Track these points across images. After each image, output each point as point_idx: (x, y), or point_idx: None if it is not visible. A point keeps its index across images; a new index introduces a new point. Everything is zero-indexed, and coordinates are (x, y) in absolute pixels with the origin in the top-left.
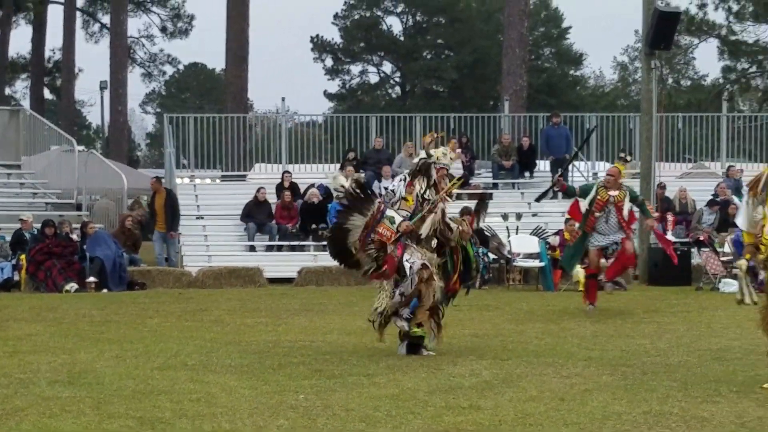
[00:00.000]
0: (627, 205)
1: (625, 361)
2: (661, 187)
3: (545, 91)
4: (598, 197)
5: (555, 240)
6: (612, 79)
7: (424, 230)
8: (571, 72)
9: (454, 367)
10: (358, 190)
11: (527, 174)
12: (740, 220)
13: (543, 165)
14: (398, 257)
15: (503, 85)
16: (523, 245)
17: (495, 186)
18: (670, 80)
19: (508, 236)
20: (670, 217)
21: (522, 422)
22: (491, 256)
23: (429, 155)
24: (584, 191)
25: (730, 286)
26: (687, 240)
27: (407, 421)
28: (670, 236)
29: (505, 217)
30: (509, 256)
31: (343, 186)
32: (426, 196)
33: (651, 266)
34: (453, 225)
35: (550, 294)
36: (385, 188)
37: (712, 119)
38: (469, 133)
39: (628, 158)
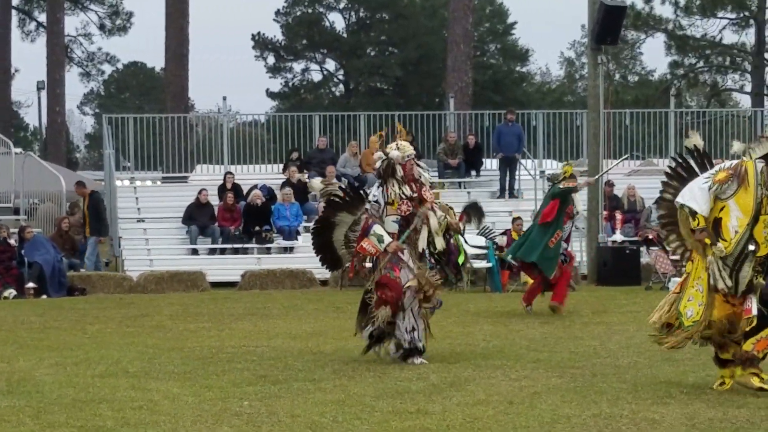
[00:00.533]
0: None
1: (575, 363)
2: (609, 184)
3: (491, 87)
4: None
5: (502, 240)
6: (558, 75)
7: (422, 243)
8: (517, 68)
9: (401, 371)
10: (350, 191)
11: (473, 173)
12: (697, 203)
13: (490, 163)
14: (397, 278)
15: (448, 82)
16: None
17: (441, 185)
18: (618, 76)
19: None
20: (618, 215)
21: (470, 426)
22: None
23: (386, 155)
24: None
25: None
26: (636, 239)
27: (354, 426)
28: (618, 235)
29: None
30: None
31: (325, 188)
32: (406, 194)
33: (600, 265)
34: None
35: (498, 295)
36: (369, 200)
37: (659, 115)
38: (414, 131)
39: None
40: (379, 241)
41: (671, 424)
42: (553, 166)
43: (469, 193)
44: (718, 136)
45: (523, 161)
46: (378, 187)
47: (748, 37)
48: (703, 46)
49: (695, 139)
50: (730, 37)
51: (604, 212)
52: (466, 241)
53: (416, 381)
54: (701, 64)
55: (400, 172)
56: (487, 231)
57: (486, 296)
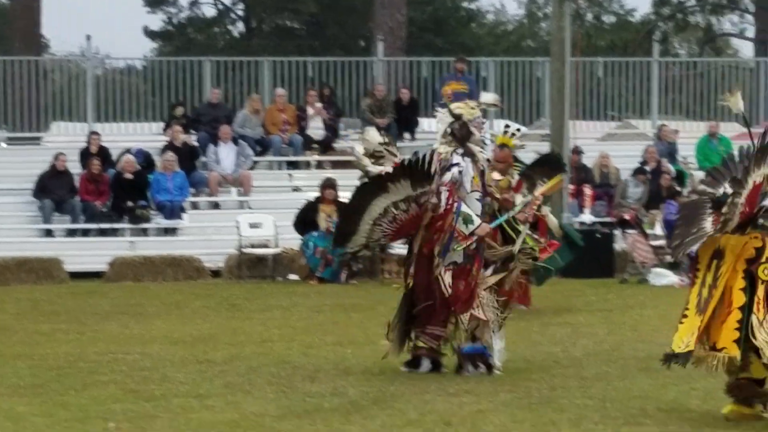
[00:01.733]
0: None
1: (530, 374)
2: (577, 152)
3: (431, 29)
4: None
5: None
6: (516, 14)
7: (517, 247)
8: (465, 4)
9: (311, 385)
10: (421, 165)
11: (407, 135)
12: None
13: (428, 123)
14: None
15: (376, 21)
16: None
17: None
18: (590, 16)
19: None
20: (587, 190)
21: None
22: None
23: (457, 116)
24: None
25: (661, 277)
26: (609, 220)
27: None
28: (587, 215)
29: None
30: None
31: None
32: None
33: None
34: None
35: None
36: (456, 170)
37: (641, 66)
38: (332, 82)
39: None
40: (466, 223)
41: None
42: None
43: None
44: (712, 92)
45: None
46: (461, 160)
47: None
48: None
49: (736, 101)
50: None
51: (570, 187)
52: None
53: (330, 397)
54: (692, 2)
55: (477, 134)
56: None
57: None
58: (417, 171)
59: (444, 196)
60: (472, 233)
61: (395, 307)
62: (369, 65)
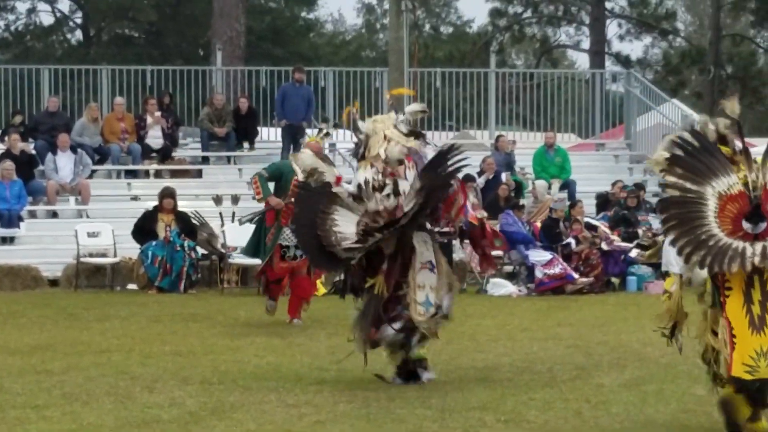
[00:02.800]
0: None
1: (369, 384)
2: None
3: (269, 38)
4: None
5: None
6: (355, 24)
7: None
8: (303, 14)
9: (149, 395)
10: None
11: (246, 144)
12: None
13: (269, 133)
14: None
15: (215, 29)
16: (241, 237)
17: (205, 160)
18: (427, 27)
19: (222, 225)
20: None
21: None
22: (200, 250)
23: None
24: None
25: (499, 287)
26: (447, 229)
27: None
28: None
29: (217, 200)
30: (223, 251)
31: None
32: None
33: None
34: None
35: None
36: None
37: (478, 76)
38: (171, 90)
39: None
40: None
41: None
42: (347, 138)
43: (240, 170)
44: (549, 103)
45: (309, 131)
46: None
47: None
48: None
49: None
50: None
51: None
52: None
53: (169, 408)
54: (529, 14)
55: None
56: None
57: (260, 300)
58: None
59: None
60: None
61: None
62: (208, 74)
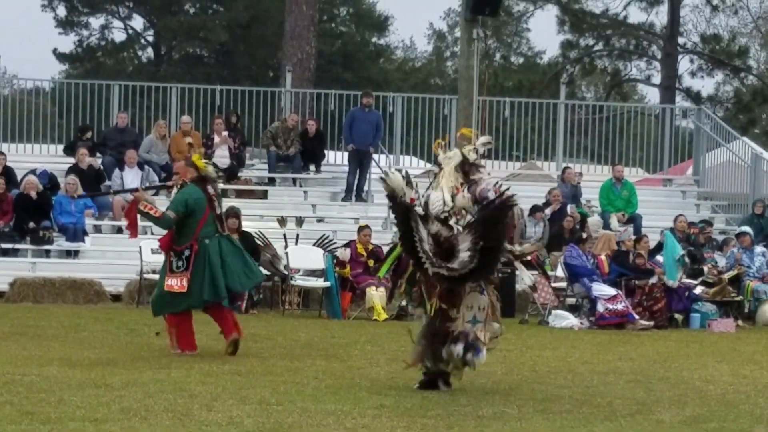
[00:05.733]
0: None
1: (427, 411)
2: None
3: (339, 62)
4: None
5: (345, 254)
6: (425, 51)
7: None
8: (374, 39)
9: (208, 413)
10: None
11: (312, 167)
12: None
13: (335, 156)
14: None
15: (285, 51)
16: (303, 259)
17: (271, 181)
18: (498, 56)
19: (286, 246)
20: None
21: None
22: (263, 271)
23: (464, 156)
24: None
25: (561, 319)
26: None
27: None
28: None
29: (282, 221)
30: (285, 273)
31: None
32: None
33: None
34: None
35: (337, 322)
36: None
37: (547, 107)
38: (239, 110)
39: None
40: None
41: None
42: (413, 164)
43: (306, 192)
44: (618, 136)
45: (376, 157)
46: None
47: (659, 16)
48: (603, 24)
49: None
50: (636, 16)
51: None
52: None
53: (227, 426)
54: (600, 46)
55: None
56: (326, 242)
57: (321, 323)
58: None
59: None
60: None
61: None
62: (277, 95)
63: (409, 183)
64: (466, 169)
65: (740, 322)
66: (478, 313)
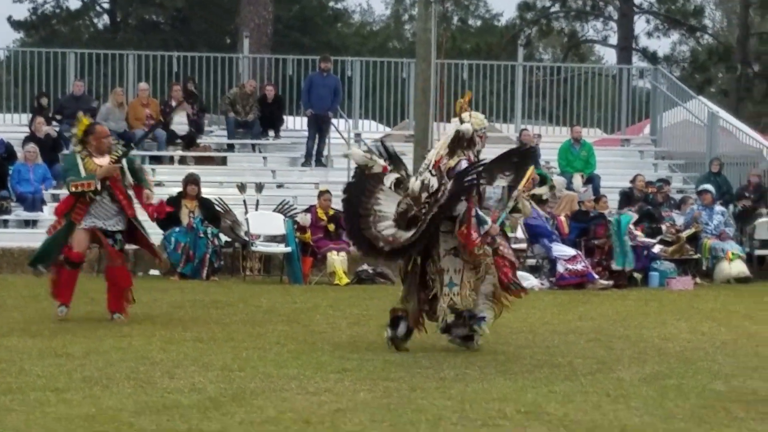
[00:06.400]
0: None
1: (389, 373)
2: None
3: (297, 26)
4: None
5: (306, 219)
6: (383, 14)
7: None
8: (332, 4)
9: (170, 381)
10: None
11: (271, 133)
12: None
13: (294, 122)
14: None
15: (242, 17)
16: (264, 225)
17: (230, 147)
18: (456, 19)
19: (246, 213)
20: None
21: None
22: (223, 237)
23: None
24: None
25: (522, 280)
26: None
27: None
28: None
29: (241, 187)
30: (246, 239)
31: (367, 156)
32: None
33: None
34: None
35: (298, 287)
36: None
37: (505, 69)
38: (197, 78)
39: None
40: (481, 224)
41: None
42: (372, 128)
43: (265, 158)
44: (575, 97)
45: (335, 121)
46: (466, 160)
47: None
48: None
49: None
50: None
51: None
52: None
53: (189, 393)
54: (557, 7)
55: (479, 145)
56: (286, 207)
57: (283, 288)
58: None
59: (463, 206)
60: (486, 233)
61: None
62: (234, 61)
63: (384, 156)
64: (464, 144)
65: (698, 280)
66: (453, 276)
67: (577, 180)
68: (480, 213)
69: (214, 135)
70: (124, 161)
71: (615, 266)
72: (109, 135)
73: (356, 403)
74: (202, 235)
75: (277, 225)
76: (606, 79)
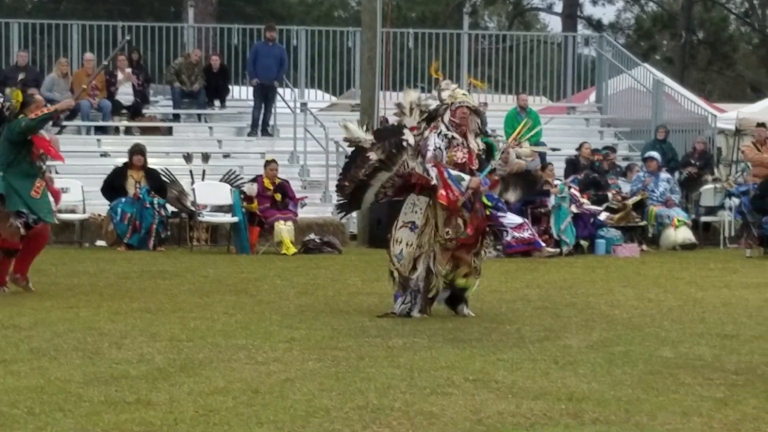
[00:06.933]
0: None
1: (337, 343)
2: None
3: None
4: None
5: (252, 189)
6: None
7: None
8: None
9: (118, 351)
10: (394, 147)
11: (217, 103)
12: None
13: (240, 91)
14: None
15: None
16: (210, 195)
17: (176, 117)
18: None
19: (192, 183)
20: None
21: (204, 420)
22: (170, 208)
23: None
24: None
25: None
26: None
27: (55, 420)
28: None
29: (188, 158)
30: (193, 209)
31: (365, 136)
32: (448, 136)
33: (373, 223)
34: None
35: (246, 257)
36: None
37: (451, 38)
38: (142, 48)
39: None
40: (459, 182)
41: (452, 419)
42: (318, 97)
43: (211, 128)
44: (521, 66)
45: (280, 90)
46: (435, 133)
47: None
48: None
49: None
50: None
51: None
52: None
53: (137, 364)
54: None
55: (448, 116)
56: (232, 177)
57: (230, 258)
58: (389, 159)
59: (433, 172)
60: (467, 188)
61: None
62: (179, 31)
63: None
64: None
65: (644, 247)
66: (404, 249)
67: (526, 146)
68: (454, 172)
69: (160, 105)
70: None
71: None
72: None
73: (305, 373)
74: (148, 205)
75: (224, 195)
76: (551, 47)
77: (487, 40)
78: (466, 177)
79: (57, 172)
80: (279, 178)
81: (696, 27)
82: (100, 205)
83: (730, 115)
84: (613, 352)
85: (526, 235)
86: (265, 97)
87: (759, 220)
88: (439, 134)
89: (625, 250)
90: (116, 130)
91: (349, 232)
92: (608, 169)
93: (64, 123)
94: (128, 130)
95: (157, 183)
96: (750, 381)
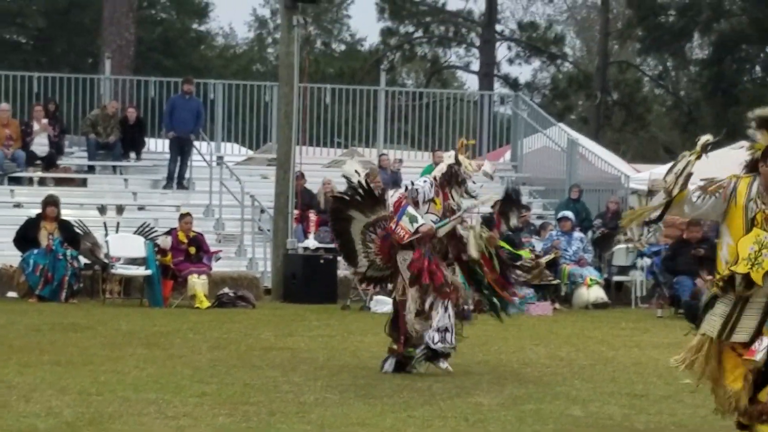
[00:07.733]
0: None
1: (249, 398)
2: (300, 177)
3: (160, 48)
4: None
5: (166, 242)
6: (246, 37)
7: (472, 250)
8: (195, 26)
9: (26, 405)
10: (366, 189)
11: (133, 155)
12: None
13: (156, 144)
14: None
15: (104, 38)
16: (124, 247)
17: (91, 169)
18: (319, 43)
19: (106, 235)
20: (312, 216)
21: None
22: (83, 260)
23: (458, 162)
24: None
25: (382, 305)
26: (333, 246)
27: None
28: (312, 241)
29: (102, 210)
30: (106, 261)
31: (354, 175)
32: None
33: (287, 278)
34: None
35: (159, 311)
36: (406, 185)
37: (368, 94)
38: (58, 99)
39: None
40: (411, 222)
41: None
42: (234, 151)
43: (126, 180)
44: (437, 123)
45: (197, 144)
46: (426, 181)
47: (477, 3)
48: (423, 12)
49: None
50: (454, 3)
51: (295, 212)
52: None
53: (45, 417)
54: (420, 33)
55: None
56: (147, 230)
57: (143, 311)
58: (363, 202)
59: (393, 199)
60: (416, 231)
61: None
62: (96, 83)
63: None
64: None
65: (557, 305)
66: (411, 305)
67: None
68: (413, 211)
69: (75, 156)
70: None
71: None
72: None
73: (215, 428)
74: (61, 257)
75: (138, 247)
76: (468, 105)
77: (404, 96)
78: (421, 220)
79: None
80: (194, 232)
81: (611, 88)
82: (12, 256)
83: (643, 175)
84: (524, 410)
85: None
86: (181, 149)
87: (670, 280)
88: (428, 181)
89: (537, 309)
90: (30, 181)
91: (263, 287)
92: (522, 227)
93: None
94: (42, 181)
95: (71, 234)
96: None
